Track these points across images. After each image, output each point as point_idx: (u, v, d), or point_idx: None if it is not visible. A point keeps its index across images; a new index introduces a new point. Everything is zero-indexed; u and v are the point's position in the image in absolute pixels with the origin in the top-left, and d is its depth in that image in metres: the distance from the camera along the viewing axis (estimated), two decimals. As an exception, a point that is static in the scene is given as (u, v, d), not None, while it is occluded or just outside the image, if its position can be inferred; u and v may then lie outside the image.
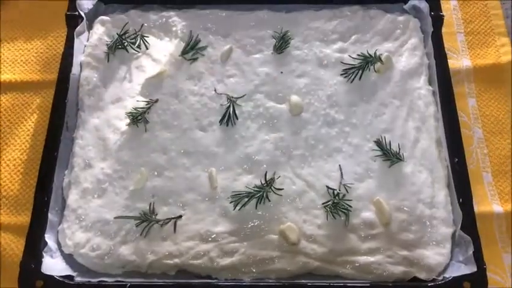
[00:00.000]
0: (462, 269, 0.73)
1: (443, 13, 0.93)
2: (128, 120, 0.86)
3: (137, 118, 0.85)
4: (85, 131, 0.85)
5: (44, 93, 0.94)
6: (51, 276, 0.72)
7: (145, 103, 0.87)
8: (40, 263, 0.73)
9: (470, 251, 0.73)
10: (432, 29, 0.91)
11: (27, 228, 0.76)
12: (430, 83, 0.89)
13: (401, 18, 0.95)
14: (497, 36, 1.00)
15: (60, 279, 0.73)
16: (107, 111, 0.87)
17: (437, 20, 0.92)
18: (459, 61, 0.97)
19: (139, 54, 0.93)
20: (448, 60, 0.90)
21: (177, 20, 0.96)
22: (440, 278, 0.74)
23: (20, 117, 0.92)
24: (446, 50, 0.91)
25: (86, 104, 0.88)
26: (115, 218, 0.78)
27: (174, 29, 0.96)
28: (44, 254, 0.74)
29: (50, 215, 0.77)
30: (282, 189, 0.80)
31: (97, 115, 0.87)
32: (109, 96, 0.89)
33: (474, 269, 0.72)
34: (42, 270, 0.72)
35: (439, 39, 0.91)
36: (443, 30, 0.92)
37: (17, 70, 0.95)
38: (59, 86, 0.87)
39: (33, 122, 0.91)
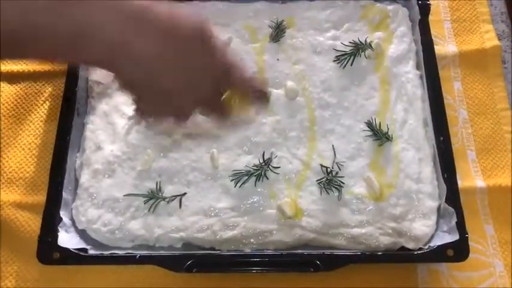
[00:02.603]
0: (446, 238, 0.78)
1: (430, 2, 0.98)
2: (134, 106, 0.91)
3: (143, 104, 0.91)
4: (95, 116, 0.91)
5: (55, 82, 0.99)
6: (67, 249, 0.78)
7: (151, 90, 0.92)
8: (56, 237, 0.78)
9: (454, 222, 0.78)
10: (420, 17, 0.96)
11: (43, 206, 0.81)
12: (417, 67, 0.95)
13: (390, 7, 1.00)
14: (481, 23, 1.04)
15: (75, 251, 0.78)
16: (115, 97, 0.93)
17: (425, 9, 0.97)
18: (445, 47, 1.02)
19: (144, 44, 0.98)
20: (435, 46, 0.94)
21: (179, 12, 1.01)
22: (426, 247, 0.79)
23: (34, 105, 0.97)
24: (433, 36, 0.95)
25: (95, 91, 0.93)
26: (124, 195, 0.84)
27: (176, 20, 1.01)
28: (60, 229, 0.80)
29: (64, 194, 0.83)
30: (279, 167, 0.85)
31: (106, 101, 0.92)
32: (117, 84, 0.94)
33: (457, 237, 0.77)
34: (58, 244, 0.78)
35: (426, 27, 0.96)
36: (431, 18, 0.97)
37: (29, 61, 1.00)
38: (69, 75, 0.92)
39: (46, 109, 0.96)
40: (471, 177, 0.90)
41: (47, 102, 0.97)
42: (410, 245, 0.80)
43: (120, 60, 0.55)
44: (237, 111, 0.69)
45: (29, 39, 0.49)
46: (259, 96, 0.70)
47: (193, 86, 0.61)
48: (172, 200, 0.83)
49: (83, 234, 0.83)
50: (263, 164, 0.85)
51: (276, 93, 0.92)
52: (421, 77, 0.93)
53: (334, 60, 0.95)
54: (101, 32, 0.52)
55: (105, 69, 0.58)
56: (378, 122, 0.88)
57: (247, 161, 0.87)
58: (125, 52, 0.54)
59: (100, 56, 0.54)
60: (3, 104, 0.96)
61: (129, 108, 0.91)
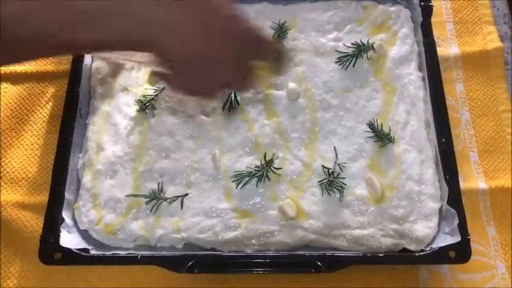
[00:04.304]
0: (448, 239, 0.78)
1: (433, 3, 0.97)
2: (136, 107, 0.91)
3: (145, 105, 0.91)
4: (97, 117, 0.91)
5: (58, 83, 0.99)
6: (69, 249, 0.78)
7: (153, 91, 0.92)
8: (58, 237, 0.79)
9: (456, 223, 0.78)
10: (422, 19, 0.96)
11: (46, 207, 0.81)
12: (420, 69, 0.94)
13: (392, 8, 1.00)
14: (484, 24, 1.04)
15: (77, 251, 0.78)
16: (117, 98, 0.93)
17: (427, 10, 0.97)
18: (448, 49, 1.02)
19: (147, 45, 0.98)
20: (438, 48, 0.94)
21: (181, 14, 1.02)
22: (428, 248, 0.79)
23: (37, 105, 0.97)
24: (436, 38, 0.95)
25: (97, 92, 0.93)
26: (126, 196, 0.84)
27: (178, 22, 1.01)
28: (62, 230, 0.80)
29: (66, 194, 0.83)
30: (281, 168, 0.85)
31: (108, 102, 0.93)
32: (119, 85, 0.94)
33: (459, 239, 0.77)
34: (60, 244, 0.78)
35: (429, 28, 0.96)
36: (433, 19, 0.97)
37: (32, 62, 1.01)
38: (72, 76, 0.92)
39: (48, 110, 0.97)
40: (473, 178, 0.90)
41: (50, 102, 0.98)
42: (412, 247, 0.80)
43: (162, 37, 0.58)
44: (263, 79, 0.75)
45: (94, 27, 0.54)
46: (280, 58, 0.73)
47: (232, 59, 0.64)
48: (174, 200, 0.84)
49: (84, 234, 0.83)
50: (265, 165, 0.85)
51: (277, 94, 0.93)
52: (423, 78, 0.93)
53: (336, 62, 0.95)
54: (142, 12, 0.55)
55: (141, 50, 0.60)
56: (379, 124, 0.88)
57: (249, 162, 0.87)
58: (166, 28, 0.57)
59: (138, 36, 0.57)
60: (6, 105, 0.97)
61: (132, 109, 0.92)
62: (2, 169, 0.92)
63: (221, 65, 0.64)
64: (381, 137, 0.87)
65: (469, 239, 0.77)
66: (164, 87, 0.93)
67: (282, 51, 0.72)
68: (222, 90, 0.71)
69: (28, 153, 0.93)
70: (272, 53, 0.71)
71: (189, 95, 0.75)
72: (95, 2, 0.54)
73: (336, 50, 0.95)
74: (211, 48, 0.61)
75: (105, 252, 0.80)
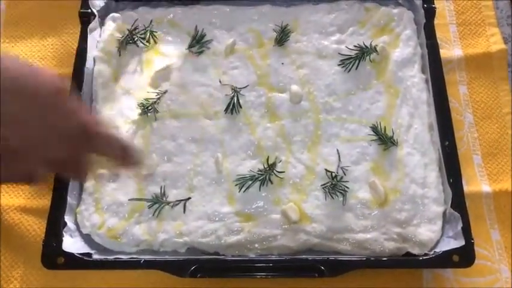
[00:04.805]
0: (452, 243, 0.78)
1: (436, 5, 0.97)
2: (139, 111, 0.91)
3: (147, 108, 0.91)
4: (99, 121, 0.91)
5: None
6: (71, 254, 0.78)
7: (155, 94, 0.92)
8: (61, 241, 0.79)
9: (459, 227, 0.78)
10: (425, 21, 0.96)
11: (48, 211, 0.81)
12: (423, 71, 0.94)
13: (395, 10, 1.00)
14: (487, 26, 1.04)
15: (80, 256, 0.78)
16: (119, 102, 0.93)
17: (430, 12, 0.96)
18: (451, 51, 1.01)
19: (149, 48, 0.98)
20: (441, 50, 0.94)
21: (183, 16, 1.01)
22: (432, 252, 0.79)
23: (39, 109, 0.97)
24: (439, 40, 0.95)
25: (99, 95, 0.93)
26: (129, 200, 0.84)
27: (180, 24, 1.01)
28: (64, 234, 0.80)
29: (68, 199, 0.83)
30: (284, 172, 0.85)
31: (110, 106, 0.92)
32: (121, 88, 0.94)
33: (463, 243, 0.76)
34: (63, 248, 0.78)
35: (432, 30, 0.95)
36: (437, 21, 0.96)
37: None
38: (74, 80, 0.92)
39: (50, 114, 0.97)
40: (477, 182, 0.89)
41: (52, 106, 0.97)
42: (415, 251, 0.79)
43: None
44: (98, 166, 0.71)
45: None
46: (123, 158, 0.68)
47: (44, 146, 0.59)
48: (177, 204, 0.84)
49: (87, 238, 0.83)
50: (267, 168, 0.85)
51: (280, 97, 0.92)
52: (426, 80, 0.93)
53: (339, 64, 0.94)
54: None
55: None
56: (383, 126, 0.88)
57: (252, 165, 0.87)
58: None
59: None
60: (8, 108, 0.96)
61: (134, 113, 0.91)
62: (4, 173, 0.91)
63: (38, 154, 0.59)
64: (384, 140, 0.87)
65: (473, 242, 0.76)
66: (166, 91, 0.93)
67: (127, 147, 0.68)
68: (46, 174, 0.66)
69: (30, 157, 0.93)
70: (113, 148, 0.67)
71: (4, 181, 0.66)
72: None
73: (338, 53, 0.95)
74: (28, 138, 0.56)
75: (108, 257, 0.80)
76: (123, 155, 0.68)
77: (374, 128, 0.88)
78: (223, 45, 0.98)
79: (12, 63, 0.55)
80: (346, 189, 0.83)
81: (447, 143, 0.85)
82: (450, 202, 0.81)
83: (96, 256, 0.80)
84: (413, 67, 0.94)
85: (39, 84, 0.56)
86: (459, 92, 0.98)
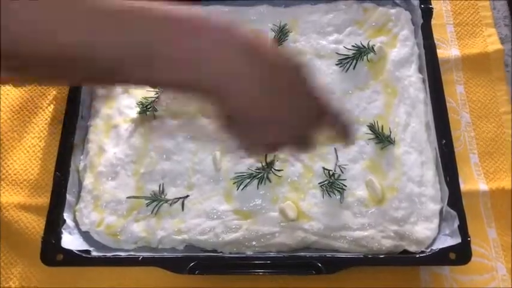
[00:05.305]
0: (448, 241, 0.78)
1: (433, 6, 0.97)
2: (138, 109, 0.92)
3: (146, 107, 0.91)
4: (98, 119, 0.91)
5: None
6: (70, 251, 0.78)
7: (154, 93, 0.93)
8: (60, 239, 0.79)
9: (456, 225, 0.78)
10: (422, 21, 0.97)
11: (47, 208, 0.81)
12: (420, 71, 0.95)
13: (393, 11, 1.00)
14: (484, 27, 1.04)
15: (78, 253, 0.78)
16: (119, 101, 0.94)
17: (427, 13, 0.97)
18: (448, 51, 1.02)
19: (148, 48, 0.98)
20: (438, 50, 0.94)
21: (182, 16, 1.02)
22: (429, 250, 0.79)
23: (38, 108, 0.98)
24: (436, 40, 0.95)
25: (99, 94, 0.94)
26: (127, 197, 0.84)
27: (180, 24, 1.01)
28: (63, 231, 0.80)
29: (67, 196, 0.83)
30: (282, 170, 0.86)
31: (109, 105, 0.93)
32: (120, 87, 0.95)
33: (459, 240, 0.77)
34: (62, 245, 0.78)
35: (429, 30, 0.96)
36: (434, 22, 0.97)
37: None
38: (73, 78, 0.93)
39: (50, 112, 0.97)
40: (474, 180, 0.90)
41: (52, 105, 0.98)
42: (412, 248, 0.80)
43: (228, 91, 0.55)
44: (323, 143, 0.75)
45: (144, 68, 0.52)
46: (346, 133, 0.71)
47: (290, 123, 0.62)
48: (175, 202, 0.84)
49: (86, 236, 0.83)
50: (265, 166, 0.85)
51: (278, 96, 0.93)
52: (423, 80, 0.93)
53: (337, 64, 0.95)
54: (212, 64, 0.53)
55: (208, 99, 0.57)
56: (380, 125, 0.89)
57: (250, 163, 0.87)
58: (234, 84, 0.55)
59: (209, 87, 0.55)
60: (8, 107, 0.97)
61: (133, 111, 0.92)
62: (3, 171, 0.92)
63: (284, 128, 0.63)
64: (382, 139, 0.87)
65: (469, 240, 0.77)
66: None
67: (348, 122, 0.70)
68: (281, 149, 0.69)
69: (30, 155, 0.94)
70: (338, 124, 0.69)
71: (246, 150, 0.72)
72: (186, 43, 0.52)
73: (336, 53, 0.96)
74: (274, 109, 0.59)
75: (107, 254, 0.80)
76: (344, 131, 0.70)
77: (371, 127, 0.89)
78: (222, 44, 0.98)
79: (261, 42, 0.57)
80: (343, 187, 0.83)
81: (444, 141, 0.85)
82: (447, 200, 0.81)
83: (95, 253, 0.80)
84: (410, 67, 0.95)
85: (287, 65, 0.58)
86: (456, 92, 0.99)
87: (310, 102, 0.62)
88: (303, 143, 0.67)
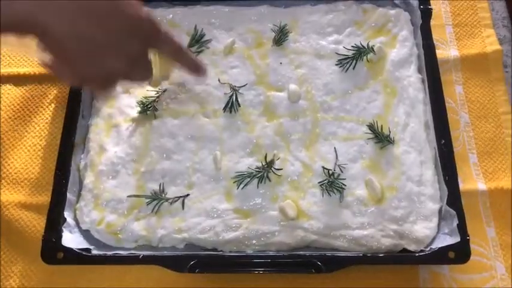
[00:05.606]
0: (447, 240, 0.78)
1: (432, 7, 0.98)
2: (138, 109, 0.92)
3: (147, 106, 0.92)
4: (99, 118, 0.92)
5: (60, 84, 1.00)
6: (71, 249, 0.78)
7: (154, 92, 0.93)
8: (60, 237, 0.79)
9: (455, 224, 0.78)
10: (421, 21, 0.97)
11: (48, 207, 0.82)
12: (419, 71, 0.95)
13: (392, 12, 1.01)
14: (483, 27, 1.05)
15: (79, 251, 0.79)
16: (119, 100, 0.94)
17: (426, 13, 0.98)
18: (447, 51, 1.03)
19: (149, 47, 0.99)
20: (437, 51, 0.95)
21: (183, 16, 1.02)
22: (428, 249, 0.79)
23: (39, 107, 0.98)
24: (435, 41, 0.96)
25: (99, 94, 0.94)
26: (128, 196, 0.84)
27: (180, 24, 1.02)
28: (64, 230, 0.81)
29: (68, 195, 0.84)
30: (281, 169, 0.86)
31: (110, 104, 0.93)
32: (121, 87, 0.95)
33: (458, 239, 0.77)
34: (62, 244, 0.79)
35: (428, 31, 0.96)
36: (433, 22, 0.97)
37: (35, 63, 1.02)
38: (74, 78, 0.93)
39: (50, 111, 0.98)
40: (473, 180, 0.90)
41: (52, 104, 0.98)
42: (411, 247, 0.80)
43: (46, 16, 0.56)
44: (161, 71, 0.75)
45: None
46: (194, 66, 0.73)
47: (121, 43, 0.63)
48: (175, 201, 0.84)
49: (86, 234, 0.83)
50: (265, 166, 0.86)
51: (278, 96, 0.93)
52: (422, 80, 0.94)
53: (337, 64, 0.96)
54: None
55: (27, 31, 0.58)
56: (379, 125, 0.89)
57: (250, 163, 0.87)
58: (52, 7, 0.56)
59: (24, 16, 0.55)
60: (9, 106, 0.98)
61: (133, 111, 0.92)
62: (4, 170, 0.92)
63: (114, 54, 0.63)
64: (381, 139, 0.88)
65: (468, 239, 0.77)
66: (166, 89, 0.93)
67: (195, 60, 0.72)
68: (118, 82, 0.69)
69: (30, 154, 0.94)
70: (169, 42, 0.71)
71: (81, 85, 0.73)
72: None
73: (336, 53, 0.96)
74: (97, 31, 0.60)
75: (107, 252, 0.80)
76: (184, 57, 0.72)
77: (371, 127, 0.89)
78: (222, 45, 0.99)
79: None
80: (343, 186, 0.84)
81: (443, 141, 0.86)
82: (446, 199, 0.82)
83: (95, 252, 0.80)
84: (409, 67, 0.95)
85: None
86: (455, 92, 0.99)
87: (133, 22, 0.63)
88: (136, 69, 0.68)
